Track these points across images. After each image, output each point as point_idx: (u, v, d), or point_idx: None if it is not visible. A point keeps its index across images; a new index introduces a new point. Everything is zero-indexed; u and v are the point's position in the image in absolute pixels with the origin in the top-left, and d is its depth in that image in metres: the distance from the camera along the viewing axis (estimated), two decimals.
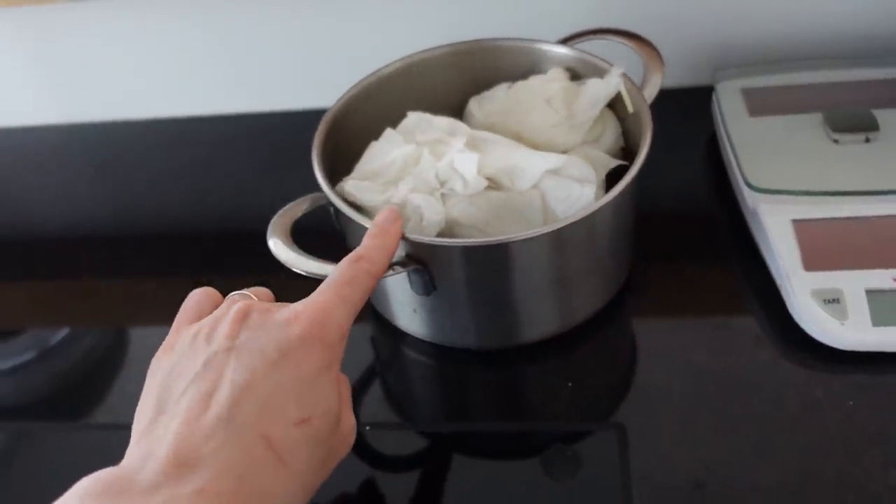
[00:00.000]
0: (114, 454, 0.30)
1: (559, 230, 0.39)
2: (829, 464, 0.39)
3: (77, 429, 0.47)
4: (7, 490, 0.44)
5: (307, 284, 0.36)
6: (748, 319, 0.46)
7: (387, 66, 0.50)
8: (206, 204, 0.60)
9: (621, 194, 0.40)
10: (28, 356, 0.54)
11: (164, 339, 0.34)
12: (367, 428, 0.43)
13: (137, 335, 0.52)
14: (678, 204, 0.54)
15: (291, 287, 0.37)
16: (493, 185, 0.43)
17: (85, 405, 0.48)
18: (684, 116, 0.58)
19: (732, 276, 0.48)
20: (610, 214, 0.41)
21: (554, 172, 0.42)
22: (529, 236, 0.38)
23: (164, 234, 0.59)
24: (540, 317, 0.44)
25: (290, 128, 0.65)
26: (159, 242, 0.58)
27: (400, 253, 0.40)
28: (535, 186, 0.42)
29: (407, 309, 0.44)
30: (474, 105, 0.51)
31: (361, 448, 0.42)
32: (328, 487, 0.34)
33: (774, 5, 0.58)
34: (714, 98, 0.57)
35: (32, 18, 0.64)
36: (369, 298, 0.38)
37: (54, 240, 0.60)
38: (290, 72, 0.64)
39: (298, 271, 0.39)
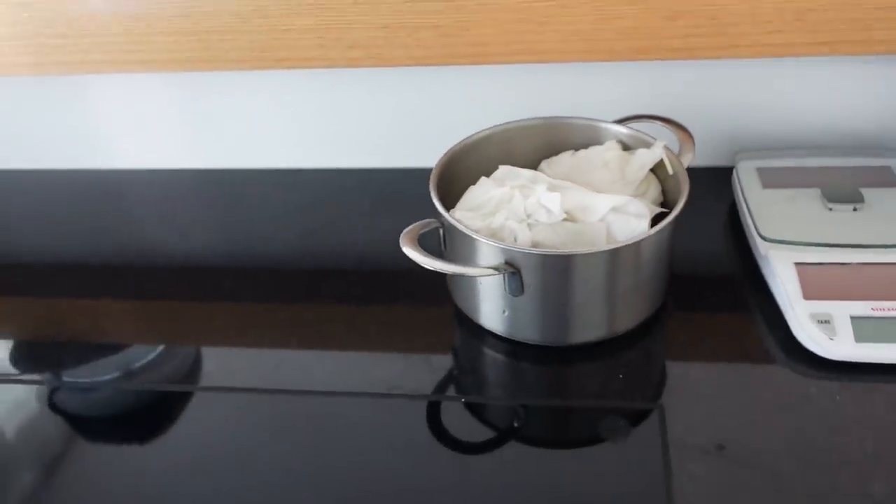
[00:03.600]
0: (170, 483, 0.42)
1: (617, 249, 0.53)
2: (820, 436, 0.51)
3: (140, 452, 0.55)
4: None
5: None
6: (759, 336, 0.59)
7: (483, 130, 0.65)
8: (308, 243, 0.74)
9: (663, 229, 0.54)
10: (113, 375, 0.62)
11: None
12: (462, 400, 0.56)
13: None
14: (705, 252, 0.68)
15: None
16: (569, 217, 0.57)
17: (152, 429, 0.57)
18: (712, 188, 0.72)
19: (747, 305, 0.62)
20: (654, 244, 0.55)
21: (616, 210, 0.56)
22: (595, 251, 0.52)
23: (271, 267, 0.71)
24: (595, 321, 0.57)
25: (389, 181, 0.80)
26: (268, 274, 0.70)
27: (499, 259, 0.54)
28: (601, 220, 0.56)
29: (497, 310, 0.57)
30: (545, 166, 0.66)
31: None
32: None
33: (784, 103, 0.74)
34: (735, 174, 0.71)
35: (182, 79, 0.80)
36: (455, 303, 0.52)
37: (177, 267, 0.72)
38: (393, 133, 0.80)
39: (428, 267, 0.53)
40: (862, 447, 0.50)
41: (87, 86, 0.81)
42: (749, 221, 0.65)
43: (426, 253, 0.54)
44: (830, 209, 0.65)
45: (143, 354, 0.63)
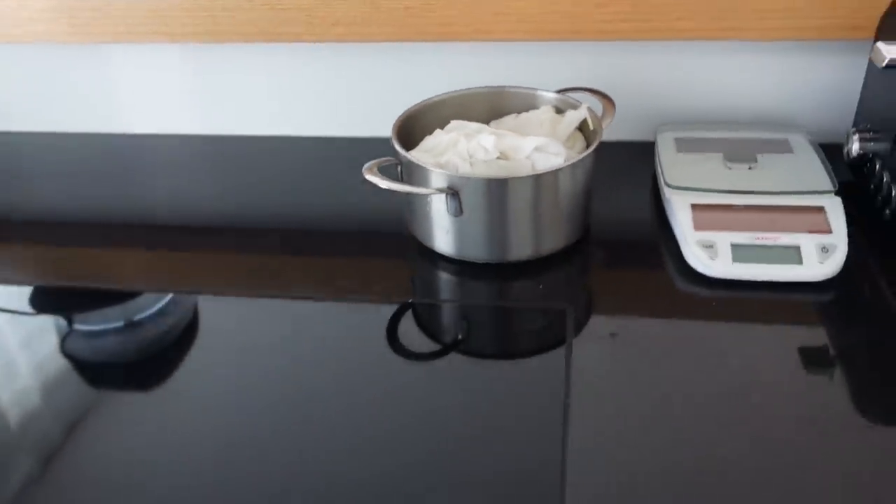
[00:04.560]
0: (181, 424, 0.54)
1: (538, 175, 0.66)
2: (695, 331, 0.64)
3: (147, 399, 0.61)
4: (81, 453, 0.56)
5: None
6: (658, 261, 0.71)
7: (439, 94, 0.79)
8: (297, 201, 0.86)
9: (576, 164, 0.67)
10: (117, 324, 0.69)
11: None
12: (410, 301, 0.68)
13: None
14: (627, 202, 0.81)
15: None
16: (502, 157, 0.70)
17: (158, 376, 0.63)
18: (638, 158, 0.86)
19: (653, 240, 0.74)
20: (569, 176, 0.68)
21: (539, 149, 0.69)
22: (519, 176, 0.65)
23: (263, 224, 0.83)
24: (523, 242, 0.70)
25: (367, 148, 0.92)
26: (261, 230, 0.81)
27: (442, 184, 0.66)
28: (527, 157, 0.69)
29: (442, 231, 0.70)
30: (493, 125, 0.79)
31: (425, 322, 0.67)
32: None
33: (704, 83, 0.87)
34: (656, 141, 0.84)
35: (196, 51, 0.93)
36: (411, 229, 0.65)
37: (179, 225, 0.83)
38: (371, 103, 0.93)
39: (385, 187, 0.66)
40: (729, 338, 0.63)
41: (109, 55, 0.95)
42: (660, 175, 0.78)
43: (385, 178, 0.67)
44: (729, 167, 0.77)
45: (151, 303, 0.71)
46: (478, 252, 0.70)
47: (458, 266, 0.72)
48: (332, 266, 0.74)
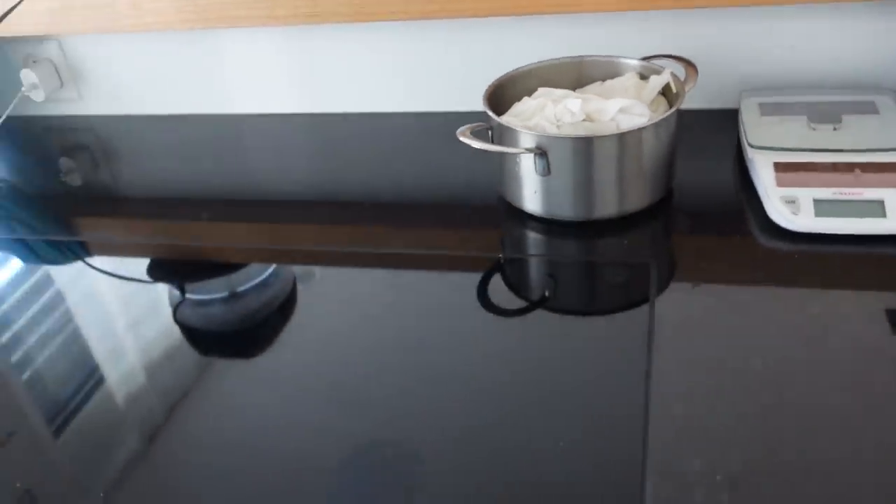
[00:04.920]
0: (281, 390, 0.59)
1: (623, 134, 0.69)
2: (780, 286, 0.66)
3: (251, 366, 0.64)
4: (185, 419, 0.60)
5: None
6: (742, 218, 0.74)
7: (527, 65, 0.83)
8: (391, 173, 0.92)
9: (660, 123, 0.70)
10: (222, 294, 0.75)
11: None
12: (501, 258, 0.73)
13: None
14: (712, 165, 0.83)
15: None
16: (588, 119, 0.73)
17: (262, 344, 0.67)
18: (720, 123, 0.88)
19: (737, 198, 0.77)
20: (653, 136, 0.71)
21: (623, 110, 0.72)
22: (605, 134, 0.69)
23: (361, 197, 0.88)
24: (609, 199, 0.73)
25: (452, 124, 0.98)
26: (358, 204, 0.87)
27: (530, 144, 0.71)
28: (612, 119, 0.72)
29: (530, 190, 0.74)
30: (579, 92, 0.83)
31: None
32: None
33: (781, 52, 0.88)
34: (739, 107, 0.86)
35: (297, 33, 1.00)
36: (501, 191, 0.70)
37: (281, 200, 0.89)
38: (456, 78, 0.98)
39: (477, 147, 0.71)
40: (812, 292, 0.65)
41: (216, 40, 1.03)
42: (743, 137, 0.80)
43: (477, 139, 0.72)
44: (813, 129, 0.79)
45: (254, 275, 0.76)
46: (564, 210, 0.74)
47: (546, 225, 0.76)
48: (427, 232, 0.79)
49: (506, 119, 0.75)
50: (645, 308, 0.65)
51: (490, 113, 0.75)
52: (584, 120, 0.73)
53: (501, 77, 0.81)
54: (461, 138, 0.73)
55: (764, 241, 0.71)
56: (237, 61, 1.04)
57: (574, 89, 0.83)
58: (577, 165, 0.71)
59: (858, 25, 0.85)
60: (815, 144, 0.76)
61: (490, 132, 0.76)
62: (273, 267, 0.78)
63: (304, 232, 0.83)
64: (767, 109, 0.84)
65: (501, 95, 0.80)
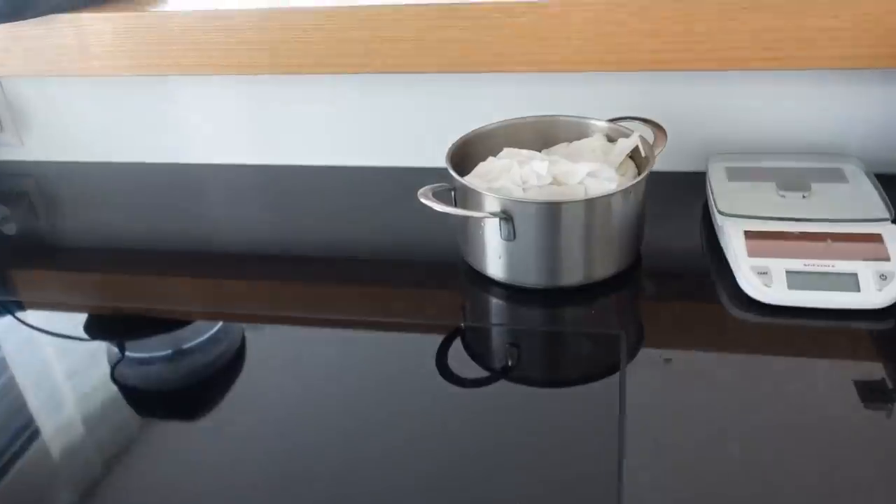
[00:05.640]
0: (224, 454, 0.55)
1: (591, 200, 0.66)
2: (752, 359, 0.63)
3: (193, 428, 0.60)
4: (124, 482, 0.56)
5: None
6: (712, 288, 0.71)
7: (492, 123, 0.80)
8: (346, 228, 0.88)
9: (628, 189, 0.68)
10: (166, 352, 0.70)
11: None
12: (462, 325, 0.69)
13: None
14: (679, 230, 0.81)
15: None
16: (555, 182, 0.71)
17: (206, 405, 0.63)
18: (687, 187, 0.86)
19: (705, 266, 0.74)
20: (621, 202, 0.68)
21: (592, 174, 0.70)
22: (573, 200, 0.66)
23: (315, 253, 0.85)
24: (575, 266, 0.70)
25: (415, 176, 0.94)
26: (312, 259, 0.84)
27: (495, 208, 0.68)
28: (580, 183, 0.70)
29: (494, 255, 0.71)
30: (545, 154, 0.80)
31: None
32: None
33: (748, 116, 0.87)
34: (707, 171, 0.84)
35: (251, 81, 0.97)
36: (464, 255, 0.67)
37: (232, 253, 0.85)
38: (415, 133, 0.95)
39: (440, 210, 0.68)
40: (785, 366, 0.62)
41: (171, 87, 0.99)
42: (712, 203, 0.78)
43: (439, 202, 0.69)
44: (783, 196, 0.77)
45: (200, 332, 0.72)
46: (529, 277, 0.71)
47: (510, 291, 0.73)
48: (384, 293, 0.75)
49: (469, 180, 0.72)
50: (615, 379, 0.62)
51: (453, 173, 0.72)
52: (550, 183, 0.71)
53: (466, 135, 0.78)
54: (423, 200, 0.69)
55: (734, 312, 0.68)
56: (190, 109, 1.00)
57: (540, 149, 0.81)
58: (544, 231, 0.68)
59: (824, 90, 0.85)
60: (786, 212, 0.74)
61: (453, 193, 0.73)
62: (220, 325, 0.73)
63: (255, 289, 0.78)
64: (735, 174, 0.82)
65: (465, 154, 0.77)
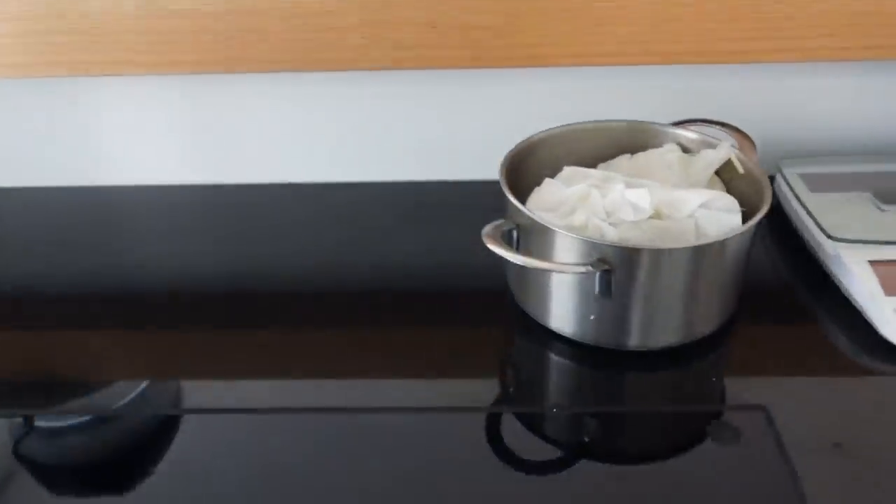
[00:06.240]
0: None
1: (722, 242, 0.51)
2: None
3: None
4: None
5: None
6: (840, 337, 0.58)
7: (538, 133, 0.63)
8: (337, 262, 0.68)
9: (752, 227, 0.53)
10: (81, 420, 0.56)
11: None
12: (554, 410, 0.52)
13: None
14: (759, 256, 0.67)
15: None
16: (654, 215, 0.55)
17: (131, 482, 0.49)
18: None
19: (818, 307, 0.61)
20: (743, 241, 0.53)
21: (704, 205, 0.54)
22: (700, 244, 0.50)
23: (294, 289, 0.65)
24: (691, 320, 0.55)
25: (422, 194, 0.76)
26: (291, 298, 0.64)
27: (591, 257, 0.51)
28: (689, 216, 0.54)
29: (582, 314, 0.54)
30: (602, 169, 0.64)
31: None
32: None
33: (819, 115, 0.74)
34: (780, 179, 0.71)
35: (195, 84, 0.74)
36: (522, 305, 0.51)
37: (169, 294, 0.65)
38: (429, 143, 0.77)
39: (520, 263, 0.51)
40: None
41: (79, 94, 0.75)
42: (810, 223, 0.64)
43: (513, 250, 0.51)
44: (883, 210, 0.65)
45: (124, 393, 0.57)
46: (626, 338, 0.55)
47: (590, 354, 0.56)
48: (379, 339, 0.58)
49: (541, 217, 0.54)
50: (782, 470, 0.47)
51: (519, 205, 0.54)
52: (649, 217, 0.54)
53: (512, 151, 0.61)
54: (492, 247, 0.51)
55: (878, 365, 0.55)
56: (115, 119, 0.76)
57: (595, 163, 0.65)
58: (655, 283, 0.52)
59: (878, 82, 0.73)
60: None
61: (515, 232, 0.55)
62: (146, 384, 0.57)
63: (195, 338, 0.60)
64: (815, 183, 0.69)
65: (509, 177, 0.59)
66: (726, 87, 0.73)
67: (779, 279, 0.64)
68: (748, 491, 0.47)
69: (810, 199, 0.67)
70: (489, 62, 0.66)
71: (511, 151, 0.60)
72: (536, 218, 0.53)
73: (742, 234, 0.52)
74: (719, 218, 0.54)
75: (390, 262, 0.67)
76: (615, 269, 0.51)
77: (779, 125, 0.74)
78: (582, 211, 0.55)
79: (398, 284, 0.65)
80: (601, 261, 0.51)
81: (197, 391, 0.56)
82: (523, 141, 0.62)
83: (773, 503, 0.46)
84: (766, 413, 0.51)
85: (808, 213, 0.65)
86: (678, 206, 0.54)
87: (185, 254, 0.70)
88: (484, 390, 0.55)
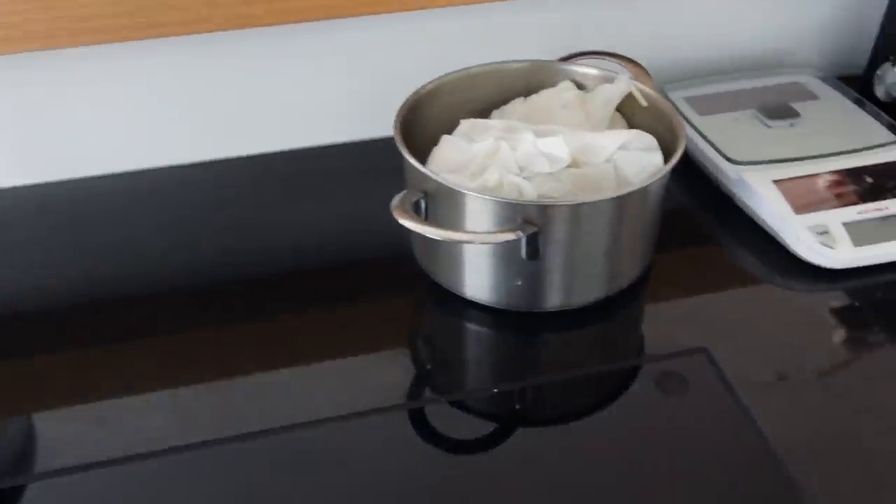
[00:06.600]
0: None
1: (645, 187, 0.48)
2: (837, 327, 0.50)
3: None
4: None
5: None
6: (754, 259, 0.57)
7: (431, 81, 0.57)
8: (210, 248, 0.60)
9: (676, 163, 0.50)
10: None
11: None
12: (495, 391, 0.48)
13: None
14: None
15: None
16: (571, 163, 0.51)
17: None
18: None
19: (721, 233, 0.60)
20: (669, 177, 0.51)
21: (623, 147, 0.51)
22: (631, 190, 0.47)
23: (162, 287, 0.57)
24: (620, 271, 0.52)
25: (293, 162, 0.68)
26: (167, 296, 0.56)
27: (516, 219, 0.46)
28: (608, 160, 0.50)
29: (507, 280, 0.50)
30: (497, 116, 0.59)
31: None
32: None
33: (698, 34, 0.73)
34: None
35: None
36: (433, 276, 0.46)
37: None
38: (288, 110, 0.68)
39: (439, 238, 0.46)
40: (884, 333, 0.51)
41: None
42: (707, 149, 0.63)
43: (428, 223, 0.46)
44: (770, 126, 0.65)
45: None
46: (558, 298, 0.51)
47: (518, 319, 0.52)
48: (273, 336, 0.52)
49: (455, 181, 0.49)
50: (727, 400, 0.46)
51: (429, 172, 0.48)
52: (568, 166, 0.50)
53: (410, 100, 0.54)
54: (403, 221, 0.46)
55: (798, 286, 0.55)
56: None
57: (487, 111, 0.60)
58: (588, 237, 0.48)
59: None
60: (799, 149, 0.61)
61: (422, 201, 0.50)
62: None
63: (45, 357, 0.50)
64: (700, 106, 0.68)
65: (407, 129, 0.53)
66: (597, 16, 0.69)
67: (683, 212, 0.63)
68: (705, 433, 0.46)
69: (701, 123, 0.66)
70: (347, 10, 0.58)
71: (402, 107, 0.54)
72: (447, 183, 0.48)
73: (668, 173, 0.49)
74: (640, 158, 0.51)
75: (279, 243, 0.60)
76: (542, 228, 0.47)
77: (655, 51, 0.72)
78: (493, 168, 0.50)
79: (290, 266, 0.58)
80: (527, 222, 0.47)
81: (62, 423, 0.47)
82: (412, 94, 0.55)
83: (731, 442, 0.45)
84: (707, 354, 0.49)
85: (704, 138, 0.64)
86: (595, 151, 0.51)
87: (31, 265, 0.59)
88: (404, 374, 0.50)
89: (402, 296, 0.56)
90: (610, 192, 0.48)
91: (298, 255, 0.59)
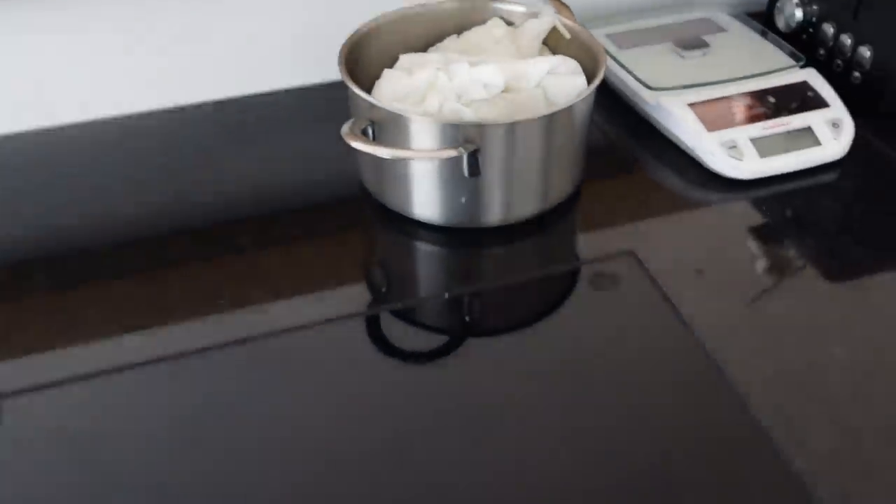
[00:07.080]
0: None
1: (571, 106, 0.52)
2: (746, 229, 0.57)
3: None
4: None
5: None
6: (671, 177, 0.63)
7: (369, 22, 0.60)
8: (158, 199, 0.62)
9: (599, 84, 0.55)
10: None
11: None
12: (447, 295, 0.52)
13: None
14: None
15: None
16: (504, 89, 0.55)
17: None
18: None
19: (643, 153, 0.66)
20: (593, 100, 0.56)
21: (550, 72, 0.55)
22: (560, 109, 0.52)
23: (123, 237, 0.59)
24: (554, 185, 0.57)
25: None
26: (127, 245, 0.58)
27: (457, 138, 0.51)
28: (538, 86, 0.55)
29: (452, 197, 0.54)
30: (436, 53, 0.63)
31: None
32: None
33: None
34: None
35: None
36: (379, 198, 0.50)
37: None
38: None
39: (388, 157, 0.50)
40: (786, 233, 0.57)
41: None
42: (628, 78, 0.68)
43: (375, 143, 0.50)
44: (684, 57, 0.70)
45: None
46: (498, 214, 0.56)
47: (461, 235, 0.57)
48: (235, 271, 0.55)
49: (400, 107, 0.53)
50: (658, 296, 0.51)
51: (372, 100, 0.52)
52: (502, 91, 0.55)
53: (351, 38, 0.58)
54: (353, 143, 0.49)
55: (713, 196, 0.61)
56: None
57: (425, 50, 0.63)
58: (523, 155, 0.53)
59: None
60: (709, 75, 0.67)
61: (370, 128, 0.53)
62: None
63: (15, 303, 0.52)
64: (620, 41, 0.73)
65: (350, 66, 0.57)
66: None
67: (608, 137, 0.68)
68: (636, 322, 0.51)
69: (622, 56, 0.71)
70: None
71: (345, 45, 0.57)
72: (393, 109, 0.51)
73: (591, 93, 0.54)
74: (566, 82, 0.55)
75: (237, 186, 0.63)
76: (481, 147, 0.51)
77: None
78: (433, 96, 0.54)
79: (242, 210, 0.61)
80: (467, 141, 0.51)
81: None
82: (353, 33, 0.59)
83: (658, 328, 0.50)
84: (634, 256, 0.55)
85: (624, 68, 0.69)
86: (526, 77, 0.55)
87: None
88: (361, 290, 0.54)
89: (355, 223, 0.59)
90: (541, 112, 0.53)
91: (256, 192, 0.62)
